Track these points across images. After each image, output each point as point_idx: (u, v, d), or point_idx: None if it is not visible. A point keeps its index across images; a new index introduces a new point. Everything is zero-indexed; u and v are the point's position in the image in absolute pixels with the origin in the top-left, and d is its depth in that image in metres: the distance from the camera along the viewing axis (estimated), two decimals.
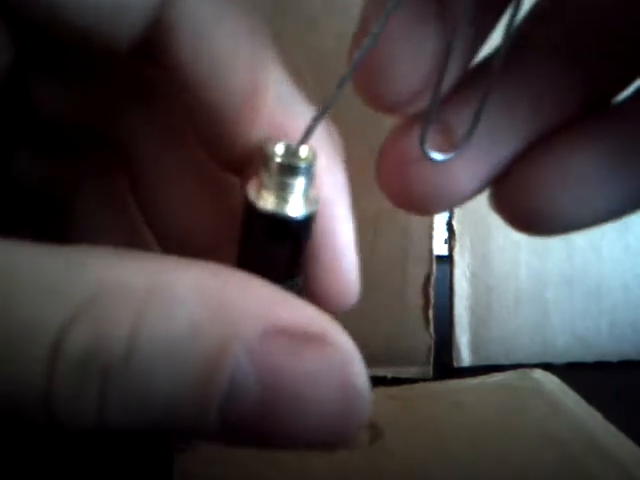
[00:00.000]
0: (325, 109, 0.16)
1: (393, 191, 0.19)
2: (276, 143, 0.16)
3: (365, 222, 0.36)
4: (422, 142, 0.17)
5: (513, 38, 0.15)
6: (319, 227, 0.17)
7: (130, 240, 0.22)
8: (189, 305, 0.12)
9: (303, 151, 0.16)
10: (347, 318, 0.14)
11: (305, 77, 0.18)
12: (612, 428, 0.28)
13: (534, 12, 0.17)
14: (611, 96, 0.17)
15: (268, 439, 0.13)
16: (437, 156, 0.17)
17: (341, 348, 0.13)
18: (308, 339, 0.13)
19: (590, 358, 0.39)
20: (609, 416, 0.29)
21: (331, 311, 0.17)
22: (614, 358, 0.39)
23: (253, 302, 0.13)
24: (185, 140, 0.20)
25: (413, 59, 0.16)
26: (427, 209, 0.19)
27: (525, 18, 0.17)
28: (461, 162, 0.18)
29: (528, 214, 0.18)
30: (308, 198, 0.16)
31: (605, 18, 0.16)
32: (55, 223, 0.22)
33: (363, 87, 0.17)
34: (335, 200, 0.17)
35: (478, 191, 0.19)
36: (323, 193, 0.17)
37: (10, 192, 0.21)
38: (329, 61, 0.33)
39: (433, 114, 0.16)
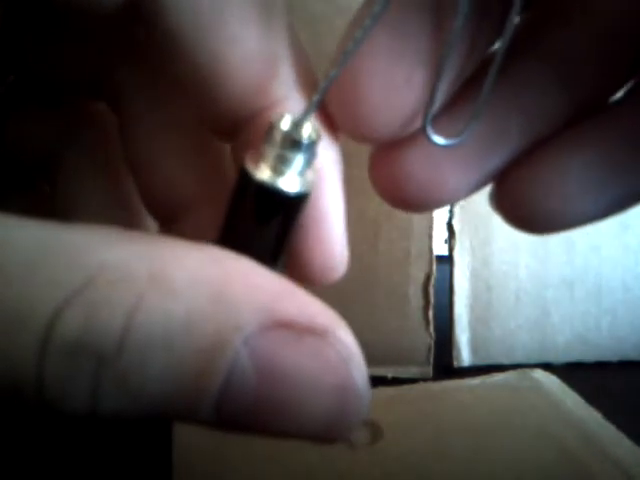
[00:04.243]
0: (323, 91, 0.15)
1: (385, 189, 0.19)
2: (282, 115, 0.15)
3: (365, 222, 0.36)
4: (425, 126, 0.16)
5: (512, 31, 0.15)
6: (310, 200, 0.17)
7: (120, 208, 0.22)
8: (189, 294, 0.12)
9: (307, 128, 0.15)
10: (347, 318, 0.14)
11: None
12: (612, 428, 0.28)
13: (528, 18, 0.17)
14: (606, 98, 0.17)
15: (262, 429, 0.13)
16: (440, 140, 0.17)
17: (342, 345, 0.13)
18: (309, 334, 0.13)
19: (590, 358, 0.39)
20: (609, 416, 0.29)
21: (318, 283, 0.17)
22: (614, 358, 0.39)
23: (256, 293, 0.13)
24: (175, 97, 0.19)
25: (391, 76, 0.16)
26: (418, 209, 0.19)
27: (520, 24, 0.17)
28: (453, 166, 0.18)
29: (527, 214, 0.18)
30: (305, 177, 0.15)
31: (596, 26, 0.16)
32: (45, 189, 0.22)
33: (340, 117, 0.17)
34: (326, 173, 0.17)
35: (469, 193, 0.19)
36: (316, 166, 0.16)
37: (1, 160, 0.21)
38: (328, 60, 0.33)
39: (436, 97, 0.16)
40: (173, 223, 0.21)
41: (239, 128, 0.17)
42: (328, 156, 0.17)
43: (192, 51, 0.16)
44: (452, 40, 0.15)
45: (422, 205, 0.19)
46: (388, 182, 0.18)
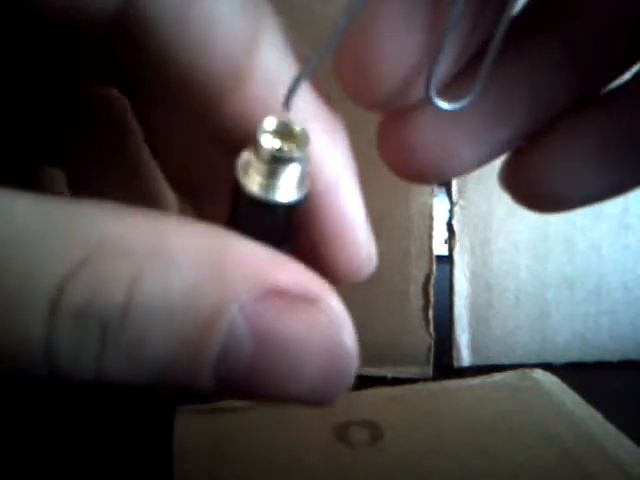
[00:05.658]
0: (307, 71, 0.15)
1: (393, 159, 0.19)
2: (266, 119, 0.15)
3: None
4: (427, 89, 0.16)
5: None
6: (328, 205, 0.17)
7: (140, 187, 0.23)
8: (188, 266, 0.13)
9: (296, 129, 0.15)
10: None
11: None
12: (612, 428, 0.28)
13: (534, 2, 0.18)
14: (612, 80, 0.18)
15: (258, 392, 0.13)
16: (444, 105, 0.17)
17: (332, 312, 0.14)
18: (302, 301, 0.13)
19: (590, 358, 0.39)
20: (609, 416, 0.29)
21: (348, 282, 0.18)
22: (614, 358, 0.39)
23: (251, 264, 0.13)
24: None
25: (402, 39, 0.16)
26: (424, 179, 0.20)
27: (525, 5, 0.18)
28: (461, 136, 0.18)
29: (535, 193, 0.19)
30: (298, 182, 0.15)
31: (602, 12, 0.17)
32: (45, 183, 0.22)
33: (350, 81, 0.17)
34: (340, 176, 0.17)
35: (476, 166, 0.19)
36: (327, 171, 0.17)
37: (18, 151, 0.21)
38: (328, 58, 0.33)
39: (441, 59, 0.16)
40: (195, 199, 0.21)
41: (239, 146, 0.17)
42: (338, 162, 0.17)
43: (179, 65, 0.16)
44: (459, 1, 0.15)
45: (429, 175, 0.19)
46: (396, 151, 0.19)
